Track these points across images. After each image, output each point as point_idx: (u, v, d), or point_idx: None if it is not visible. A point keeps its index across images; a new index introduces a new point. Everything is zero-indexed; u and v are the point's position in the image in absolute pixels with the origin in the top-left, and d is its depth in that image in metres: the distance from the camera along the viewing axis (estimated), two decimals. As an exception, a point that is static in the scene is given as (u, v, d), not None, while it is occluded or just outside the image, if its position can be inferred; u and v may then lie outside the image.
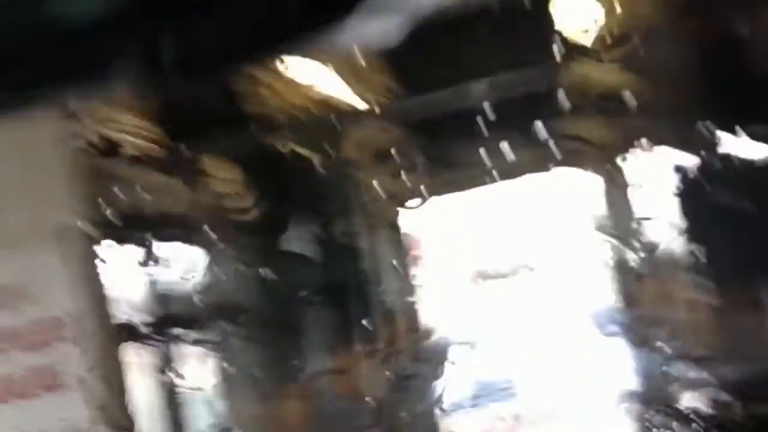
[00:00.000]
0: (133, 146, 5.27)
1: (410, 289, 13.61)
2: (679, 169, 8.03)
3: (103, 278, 3.92)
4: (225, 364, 5.87)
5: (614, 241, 12.14)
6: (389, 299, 11.74)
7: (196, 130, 5.44)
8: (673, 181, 8.34)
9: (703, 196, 6.82)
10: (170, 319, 4.95)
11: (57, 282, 3.64)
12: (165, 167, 5.67)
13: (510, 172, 13.46)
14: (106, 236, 4.51)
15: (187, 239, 6.80)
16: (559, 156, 12.81)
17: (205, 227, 5.95)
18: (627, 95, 8.89)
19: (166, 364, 6.18)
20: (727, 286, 6.79)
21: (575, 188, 15.38)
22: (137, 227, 5.80)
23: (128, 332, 4.75)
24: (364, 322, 8.25)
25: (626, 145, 10.64)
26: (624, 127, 9.35)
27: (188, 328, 5.16)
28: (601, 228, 13.42)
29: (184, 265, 6.81)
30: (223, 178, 6.53)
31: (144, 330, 5.06)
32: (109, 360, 3.68)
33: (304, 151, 9.85)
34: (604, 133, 10.05)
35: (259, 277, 5.48)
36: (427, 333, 13.90)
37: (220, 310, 5.34)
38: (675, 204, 8.33)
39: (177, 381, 6.12)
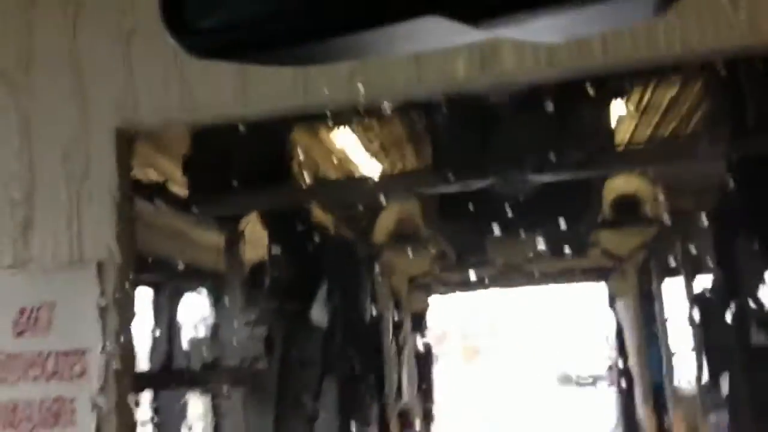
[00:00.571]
0: (170, 193, 5.35)
1: (426, 384, 13.35)
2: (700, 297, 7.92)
3: (132, 320, 3.88)
4: (224, 427, 5.73)
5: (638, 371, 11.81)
6: (405, 391, 11.51)
7: (237, 186, 5.51)
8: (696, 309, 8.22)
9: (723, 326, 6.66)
10: (180, 371, 4.88)
11: (87, 314, 3.62)
12: (200, 219, 5.73)
13: (538, 276, 13.47)
14: (138, 279, 4.51)
15: (209, 295, 6.80)
16: (585, 268, 12.85)
17: (229, 285, 5.94)
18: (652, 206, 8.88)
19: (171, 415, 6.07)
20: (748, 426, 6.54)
21: (598, 304, 15.28)
22: (164, 275, 5.84)
23: (145, 379, 4.69)
24: (374, 409, 8.04)
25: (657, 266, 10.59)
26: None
27: (196, 385, 5.07)
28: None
29: (201, 320, 6.79)
30: (256, 239, 6.56)
31: (159, 379, 4.98)
32: (124, 404, 3.60)
33: (336, 224, 9.95)
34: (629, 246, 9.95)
35: (272, 341, 5.41)
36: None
37: (230, 371, 5.26)
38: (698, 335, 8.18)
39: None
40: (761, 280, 5.28)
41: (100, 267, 3.62)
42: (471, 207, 6.92)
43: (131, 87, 3.76)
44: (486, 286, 14.19)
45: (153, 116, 3.75)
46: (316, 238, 6.51)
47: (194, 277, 6.40)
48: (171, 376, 4.94)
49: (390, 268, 10.57)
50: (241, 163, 5.61)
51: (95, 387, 3.48)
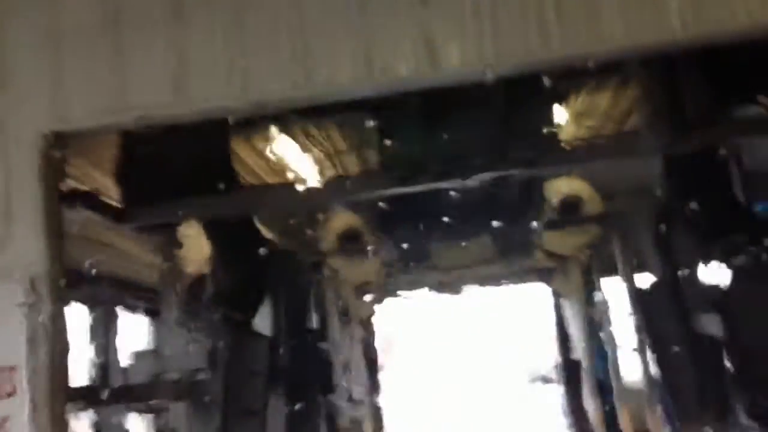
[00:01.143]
0: (101, 202, 5.12)
1: (377, 390, 13.23)
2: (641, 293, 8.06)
3: (66, 335, 3.66)
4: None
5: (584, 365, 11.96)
6: (355, 398, 11.36)
7: (172, 194, 5.30)
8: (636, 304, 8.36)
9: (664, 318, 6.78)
10: (120, 388, 4.65)
11: (15, 331, 3.39)
12: (135, 230, 5.50)
13: (484, 279, 13.54)
14: (70, 294, 4.28)
15: (148, 307, 6.55)
16: (529, 269, 13.00)
17: (167, 296, 5.72)
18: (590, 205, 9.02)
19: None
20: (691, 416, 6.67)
21: (543, 305, 15.47)
22: (98, 289, 5.58)
23: (80, 396, 4.45)
24: (321, 419, 7.88)
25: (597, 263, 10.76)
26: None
27: (137, 400, 4.84)
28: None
29: (139, 333, 6.54)
30: (194, 248, 6.35)
31: (94, 396, 4.74)
32: (59, 423, 3.38)
33: (277, 232, 9.76)
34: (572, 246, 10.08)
35: (216, 353, 5.22)
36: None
37: (173, 384, 5.05)
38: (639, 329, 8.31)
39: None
40: (698, 270, 5.38)
41: (30, 282, 3.39)
42: (414, 212, 6.87)
43: (60, 90, 3.55)
44: (433, 290, 14.20)
45: (82, 120, 3.54)
46: (259, 248, 6.34)
47: (132, 291, 6.16)
48: (109, 392, 4.71)
49: (336, 277, 10.44)
50: (177, 171, 5.41)
51: (27, 406, 3.26)
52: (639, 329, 8.45)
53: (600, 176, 9.40)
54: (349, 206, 9.83)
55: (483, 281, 13.33)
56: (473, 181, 4.63)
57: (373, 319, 13.77)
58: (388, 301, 14.01)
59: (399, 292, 13.70)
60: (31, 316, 3.33)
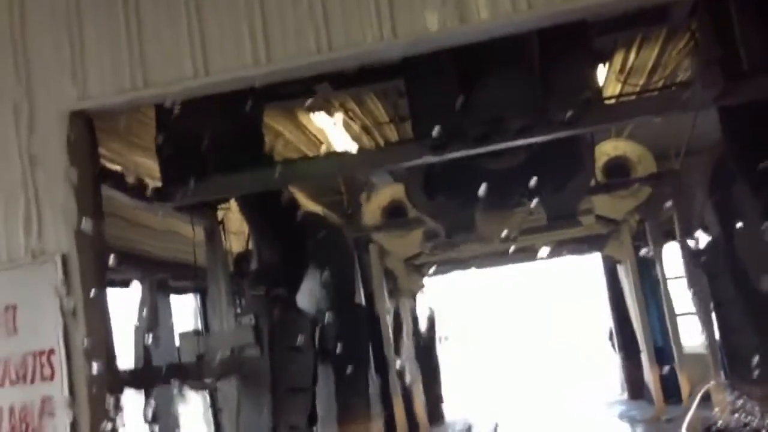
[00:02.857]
0: (142, 184, 5.09)
1: (431, 366, 13.12)
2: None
3: (105, 317, 3.65)
4: (222, 420, 5.51)
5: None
6: (406, 373, 11.32)
7: (211, 173, 5.24)
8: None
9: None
10: (164, 369, 4.65)
11: (51, 314, 3.38)
12: (176, 209, 5.47)
13: (531, 250, 13.27)
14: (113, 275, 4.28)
15: (190, 287, 6.56)
16: (580, 237, 12.67)
17: (213, 276, 5.70)
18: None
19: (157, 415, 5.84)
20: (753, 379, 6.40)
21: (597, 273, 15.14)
22: (138, 270, 5.59)
23: (126, 378, 4.44)
24: (373, 394, 7.84)
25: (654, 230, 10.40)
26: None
27: (184, 379, 4.84)
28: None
29: (181, 313, 6.56)
30: (239, 227, 6.33)
31: (141, 377, 4.74)
32: (99, 404, 3.36)
33: (321, 208, 9.71)
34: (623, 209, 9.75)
35: (261, 330, 5.17)
36: (443, 414, 13.31)
37: (219, 363, 5.03)
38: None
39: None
40: (759, 227, 5.07)
41: (64, 261, 3.37)
42: (456, 181, 6.67)
43: (80, 68, 3.51)
44: (482, 265, 13.99)
45: (105, 96, 3.49)
46: (302, 224, 6.26)
47: (178, 271, 6.15)
48: (158, 372, 4.72)
49: (382, 251, 10.36)
50: (213, 149, 5.34)
51: (65, 388, 3.25)
52: (697, 292, 8.14)
53: (654, 136, 9.06)
54: (392, 180, 9.73)
55: (534, 251, 13.03)
56: (515, 144, 4.44)
57: (424, 293, 13.66)
58: (439, 275, 13.87)
59: (448, 267, 13.54)
60: (65, 299, 3.31)
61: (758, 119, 5.01)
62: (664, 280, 10.23)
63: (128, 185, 4.89)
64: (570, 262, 16.14)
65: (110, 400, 3.44)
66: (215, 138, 5.31)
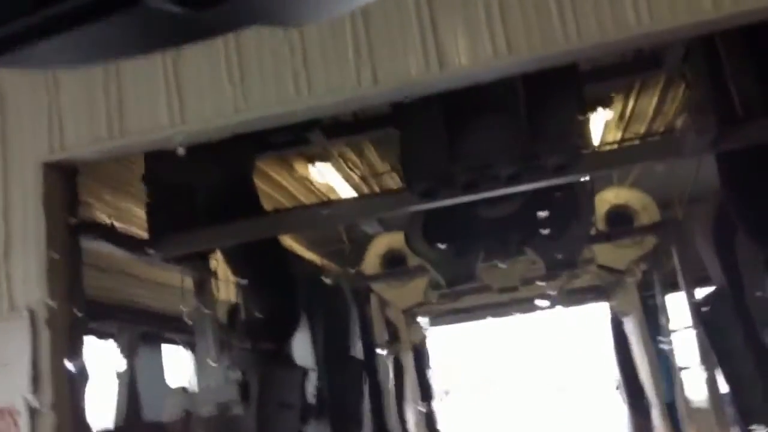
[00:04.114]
0: (129, 235, 5.01)
1: (430, 420, 12.81)
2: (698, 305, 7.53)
3: (80, 372, 3.51)
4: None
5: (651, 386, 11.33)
6: (410, 426, 11.03)
7: (201, 223, 5.16)
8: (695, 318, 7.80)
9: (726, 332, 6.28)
10: (145, 426, 4.49)
11: (20, 369, 3.25)
12: (164, 260, 5.37)
13: (534, 301, 13.07)
14: (87, 328, 4.15)
15: (175, 340, 6.40)
16: (585, 287, 12.48)
17: (200, 329, 5.56)
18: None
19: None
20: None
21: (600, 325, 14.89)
22: (122, 321, 5.47)
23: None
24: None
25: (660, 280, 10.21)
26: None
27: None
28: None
29: (167, 367, 6.38)
30: (226, 278, 6.21)
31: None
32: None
33: (319, 258, 9.59)
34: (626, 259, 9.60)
35: (248, 385, 5.01)
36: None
37: (204, 421, 4.86)
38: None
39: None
40: (764, 277, 4.91)
41: (32, 317, 3.25)
42: (453, 229, 6.58)
43: (56, 118, 3.45)
44: (485, 316, 13.77)
45: (81, 147, 3.42)
46: (294, 274, 6.15)
47: (166, 324, 6.02)
48: (140, 430, 4.55)
49: (382, 301, 10.20)
50: (202, 199, 5.27)
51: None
52: (703, 345, 7.91)
53: (658, 184, 8.95)
54: (383, 227, 9.64)
55: (536, 303, 12.83)
56: (503, 192, 4.34)
57: (426, 344, 13.41)
58: (441, 327, 13.65)
59: (450, 318, 13.33)
60: (32, 356, 3.18)
61: (755, 165, 4.91)
62: (669, 332, 9.98)
63: (115, 236, 4.80)
64: (578, 311, 15.91)
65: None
66: (204, 188, 5.25)
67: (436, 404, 13.50)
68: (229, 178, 5.31)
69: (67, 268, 3.52)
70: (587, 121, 4.50)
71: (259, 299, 5.47)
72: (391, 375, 10.13)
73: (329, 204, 4.90)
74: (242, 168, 5.36)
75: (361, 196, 6.88)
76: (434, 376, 13.96)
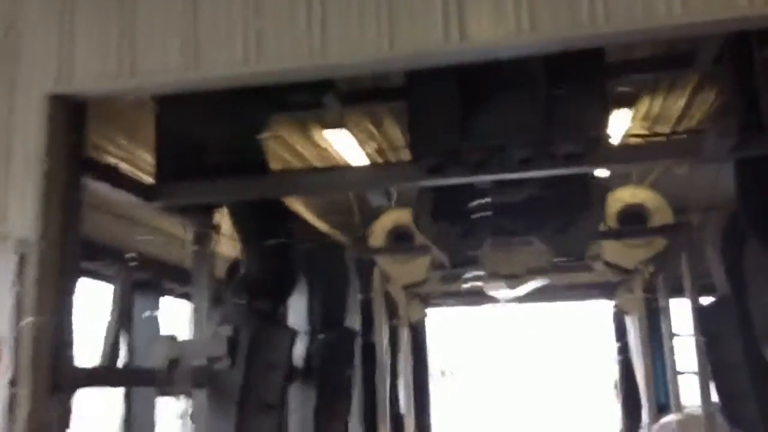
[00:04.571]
0: (133, 179, 4.98)
1: (422, 398, 12.83)
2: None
3: (65, 309, 3.51)
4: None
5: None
6: (398, 403, 11.05)
7: (208, 174, 5.12)
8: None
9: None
10: (129, 370, 4.48)
11: (4, 298, 3.23)
12: (167, 209, 5.35)
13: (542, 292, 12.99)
14: (82, 268, 4.14)
15: (169, 289, 6.40)
16: (590, 283, 12.39)
17: (197, 280, 5.55)
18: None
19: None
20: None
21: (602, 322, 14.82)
22: (119, 265, 5.46)
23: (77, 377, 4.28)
24: (354, 418, 7.61)
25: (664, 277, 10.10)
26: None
27: (147, 384, 4.67)
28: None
29: (165, 317, 6.40)
30: (232, 234, 6.17)
31: (107, 376, 4.59)
32: (40, 398, 3.19)
33: (325, 226, 9.56)
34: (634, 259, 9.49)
35: (237, 342, 5.00)
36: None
37: (190, 372, 4.85)
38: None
39: None
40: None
41: (23, 247, 3.23)
42: (461, 211, 6.49)
43: (67, 52, 3.39)
44: (488, 302, 13.70)
45: (89, 83, 3.37)
46: (297, 239, 6.11)
47: (164, 272, 6.02)
48: (122, 374, 4.55)
49: (385, 276, 10.16)
50: (212, 151, 5.23)
51: (8, 377, 3.09)
52: (701, 352, 7.83)
53: (678, 188, 8.81)
54: (403, 203, 9.56)
55: (539, 293, 12.74)
56: (514, 176, 4.25)
57: (425, 324, 13.39)
58: (440, 309, 13.63)
59: (451, 300, 13.29)
60: (19, 286, 3.17)
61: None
62: (670, 335, 9.90)
63: (119, 179, 4.78)
64: (582, 305, 15.84)
65: (58, 397, 3.28)
66: (214, 141, 5.20)
67: (431, 384, 13.53)
68: (240, 135, 5.25)
69: (64, 205, 3.49)
70: (607, 113, 4.38)
71: (258, 258, 5.44)
72: (387, 351, 10.13)
73: (333, 170, 4.83)
74: (255, 126, 5.30)
75: (367, 165, 6.80)
76: (431, 356, 13.97)
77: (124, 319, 5.18)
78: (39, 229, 3.24)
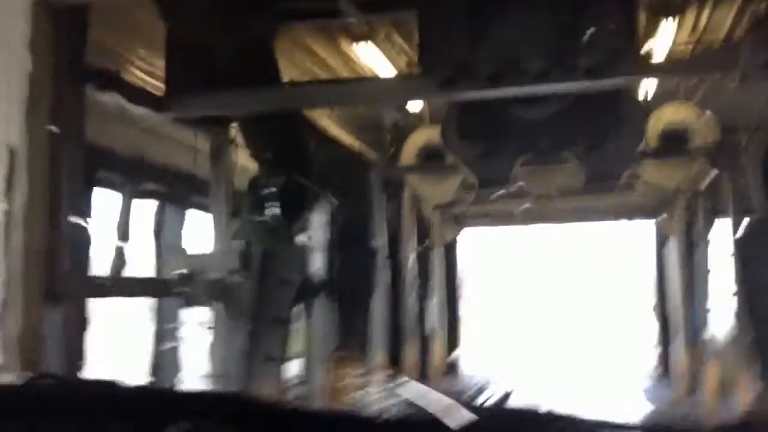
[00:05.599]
0: (142, 89, 4.89)
1: (452, 317, 12.85)
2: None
3: (58, 217, 3.51)
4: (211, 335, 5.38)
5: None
6: (433, 320, 11.11)
7: (223, 86, 4.99)
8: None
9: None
10: (140, 282, 4.52)
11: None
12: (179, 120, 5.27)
13: (582, 212, 12.71)
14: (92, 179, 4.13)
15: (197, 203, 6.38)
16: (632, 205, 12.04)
17: (214, 194, 5.52)
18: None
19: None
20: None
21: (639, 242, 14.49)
22: (139, 178, 5.44)
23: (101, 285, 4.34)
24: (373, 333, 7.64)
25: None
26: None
27: (157, 295, 4.72)
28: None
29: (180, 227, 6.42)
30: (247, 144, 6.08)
31: (117, 286, 4.64)
32: (32, 311, 3.21)
33: (355, 142, 9.40)
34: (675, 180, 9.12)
35: (252, 257, 4.98)
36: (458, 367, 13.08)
37: (204, 284, 4.88)
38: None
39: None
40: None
41: (11, 155, 3.19)
42: (487, 128, 6.24)
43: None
44: (524, 222, 13.48)
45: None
46: (321, 154, 6.00)
47: (170, 182, 5.98)
48: (130, 284, 4.61)
49: (415, 196, 10.03)
50: (222, 62, 5.08)
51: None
52: (739, 279, 7.57)
53: (716, 107, 8.36)
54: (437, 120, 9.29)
55: (576, 214, 12.48)
56: (529, 90, 4.00)
57: (457, 245, 13.30)
58: (473, 230, 13.48)
59: (486, 220, 13.11)
60: (5, 194, 3.14)
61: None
62: (708, 260, 9.62)
63: (127, 89, 4.70)
64: (622, 227, 15.49)
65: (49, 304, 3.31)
66: (223, 50, 5.05)
67: (462, 306, 13.55)
68: (249, 43, 5.08)
69: (58, 112, 3.43)
70: (635, 23, 4.05)
71: (274, 173, 5.35)
72: (416, 272, 10.10)
73: (340, 83, 4.65)
74: (263, 33, 5.12)
75: (374, 78, 6.55)
76: (464, 278, 13.94)
77: (124, 228, 5.19)
78: (29, 136, 3.19)
